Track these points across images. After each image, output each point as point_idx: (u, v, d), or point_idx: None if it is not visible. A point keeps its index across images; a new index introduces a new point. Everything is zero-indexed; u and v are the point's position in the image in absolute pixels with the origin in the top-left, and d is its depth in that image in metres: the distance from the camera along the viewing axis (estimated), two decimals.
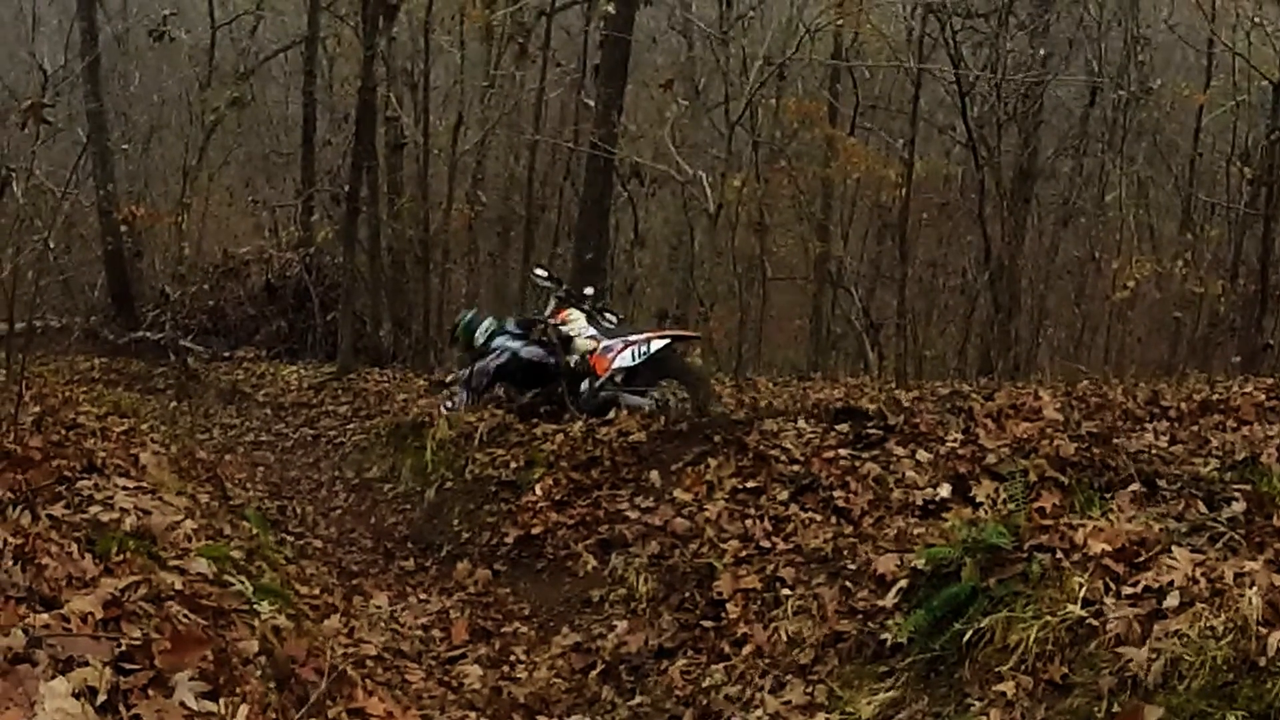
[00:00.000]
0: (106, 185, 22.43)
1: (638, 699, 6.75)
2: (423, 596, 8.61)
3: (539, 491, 9.72)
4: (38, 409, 8.52)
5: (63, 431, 8.29)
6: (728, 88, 15.11)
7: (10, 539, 4.81)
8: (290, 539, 9.67)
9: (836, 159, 21.33)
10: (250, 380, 18.65)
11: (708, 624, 7.14)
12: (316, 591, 7.68)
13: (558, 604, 8.26)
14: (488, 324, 12.97)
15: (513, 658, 7.43)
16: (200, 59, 24.81)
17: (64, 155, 22.97)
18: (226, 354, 20.41)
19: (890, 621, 6.24)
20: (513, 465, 10.47)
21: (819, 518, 7.98)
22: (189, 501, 7.29)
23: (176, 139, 26.80)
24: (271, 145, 28.80)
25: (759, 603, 7.11)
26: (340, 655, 5.50)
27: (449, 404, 12.80)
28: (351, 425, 15.16)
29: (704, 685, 6.60)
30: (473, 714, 6.31)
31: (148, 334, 20.79)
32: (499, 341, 12.72)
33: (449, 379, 13.74)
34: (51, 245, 16.86)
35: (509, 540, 9.35)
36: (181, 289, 20.32)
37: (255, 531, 8.06)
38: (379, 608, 7.92)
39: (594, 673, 7.10)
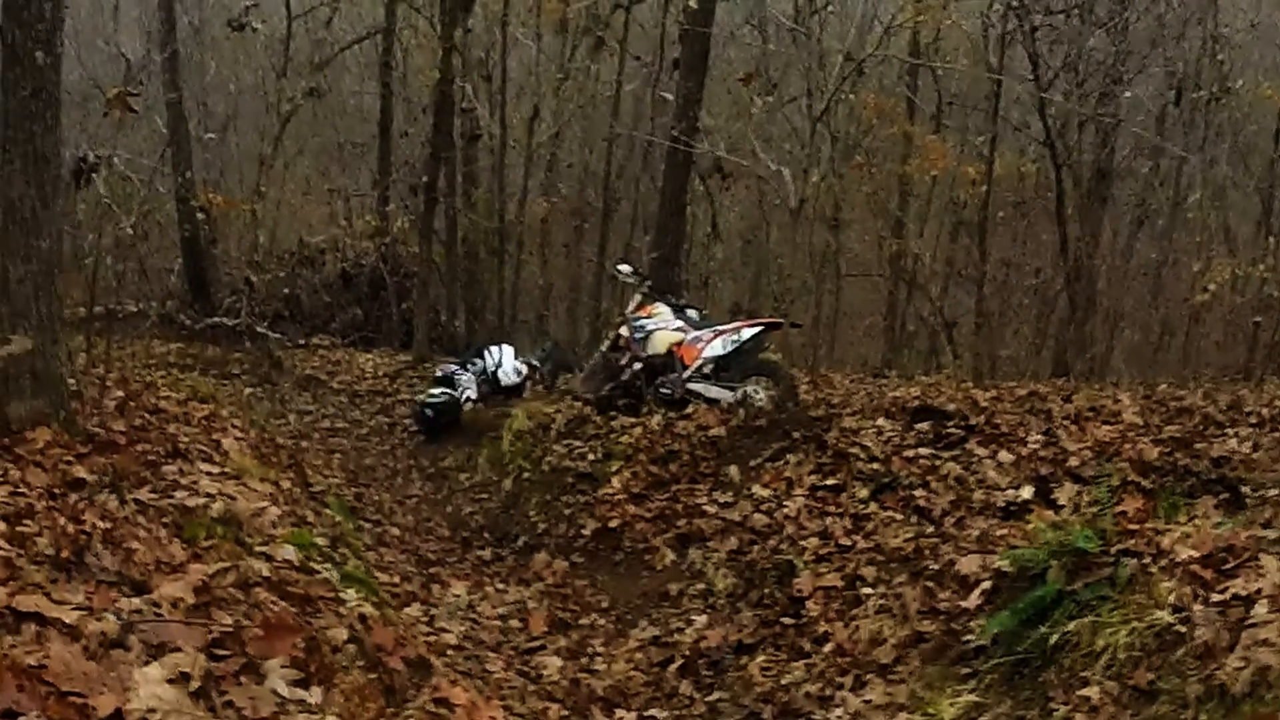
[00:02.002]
0: (185, 173, 22.58)
1: (716, 694, 6.73)
2: (500, 586, 8.60)
3: (617, 484, 9.71)
4: (121, 393, 8.56)
5: (145, 416, 8.32)
6: (810, 83, 14.98)
7: (99, 523, 4.82)
8: (368, 526, 9.70)
9: (915, 156, 21.15)
10: (326, 367, 18.75)
11: (788, 621, 7.11)
12: (396, 579, 7.69)
13: (635, 597, 8.23)
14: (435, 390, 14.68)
15: (591, 650, 7.41)
16: (276, 49, 24.93)
17: (142, 144, 23.14)
18: (302, 341, 20.53)
19: (973, 623, 6.19)
20: (590, 457, 10.46)
21: (899, 517, 7.92)
22: (272, 488, 7.31)
23: (251, 128, 26.98)
24: (345, 135, 28.92)
25: (840, 601, 7.07)
26: (422, 644, 5.49)
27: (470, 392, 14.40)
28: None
29: (784, 682, 6.57)
30: (554, 706, 6.28)
31: (224, 320, 20.89)
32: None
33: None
34: (131, 231, 16.99)
35: (586, 532, 9.35)
36: (257, 276, 20.42)
37: (338, 519, 8.08)
38: (457, 597, 7.90)
39: (672, 667, 7.07)
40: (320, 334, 21.50)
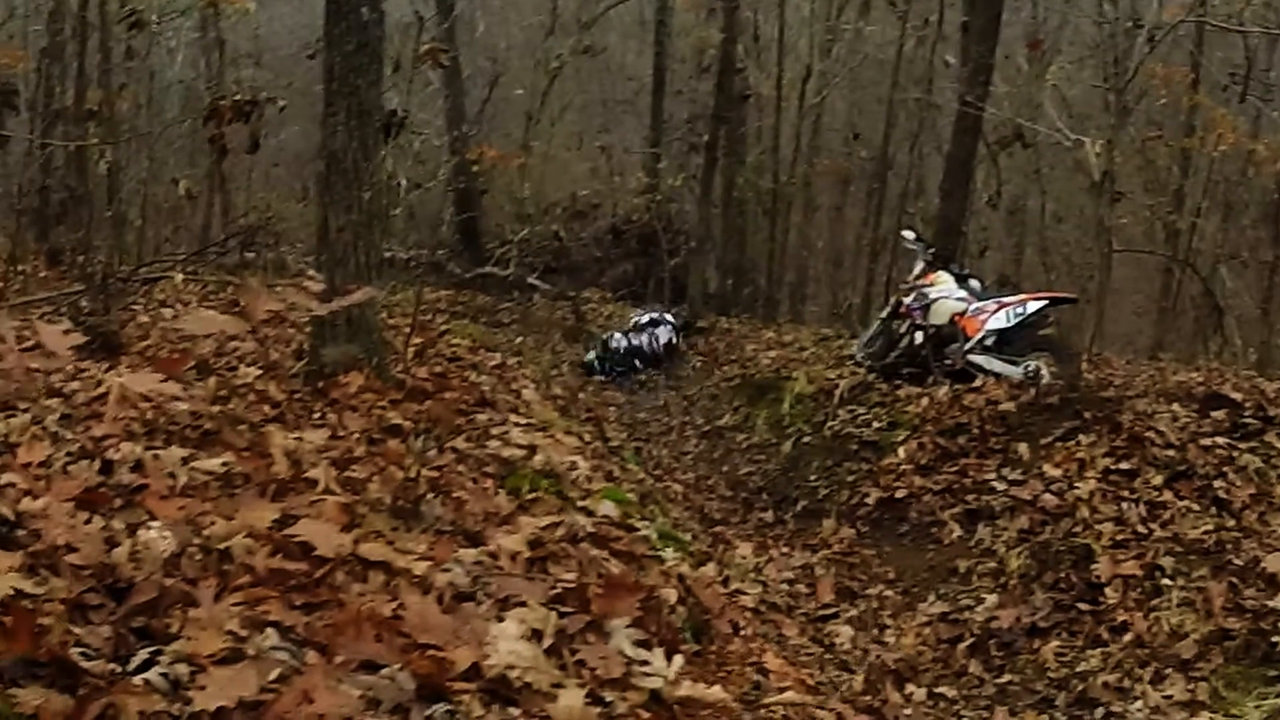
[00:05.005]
0: (459, 126, 23.08)
1: (1006, 676, 6.66)
2: (784, 550, 8.59)
3: (902, 454, 9.57)
4: (419, 340, 8.74)
5: (444, 363, 8.50)
6: (1117, 54, 14.53)
7: (425, 472, 4.88)
8: (651, 481, 9.76)
9: (1202, 129, 20.25)
10: (597, 321, 18.97)
11: (1084, 607, 6.98)
12: (687, 538, 7.71)
13: (922, 570, 8.14)
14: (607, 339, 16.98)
15: (880, 621, 7.34)
16: (544, 7, 25.23)
17: (413, 98, 23.61)
18: (571, 294, 20.76)
19: None
20: (875, 425, 10.35)
21: (1196, 507, 7.66)
22: (577, 441, 7.38)
23: (518, 84, 27.34)
24: (610, 92, 29.13)
25: (1139, 590, 6.92)
26: (735, 607, 5.48)
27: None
28: (699, 371, 15.26)
29: (1079, 669, 6.47)
30: (850, 677, 6.25)
31: (494, 270, 21.32)
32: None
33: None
34: (404, 181, 17.46)
35: (869, 501, 9.25)
36: (527, 228, 20.79)
37: (640, 475, 8.13)
38: (744, 558, 7.91)
39: (962, 645, 7.01)
40: (590, 288, 21.72)
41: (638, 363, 16.45)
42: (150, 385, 3.56)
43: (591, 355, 16.71)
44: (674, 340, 16.93)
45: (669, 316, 17.62)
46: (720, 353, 15.87)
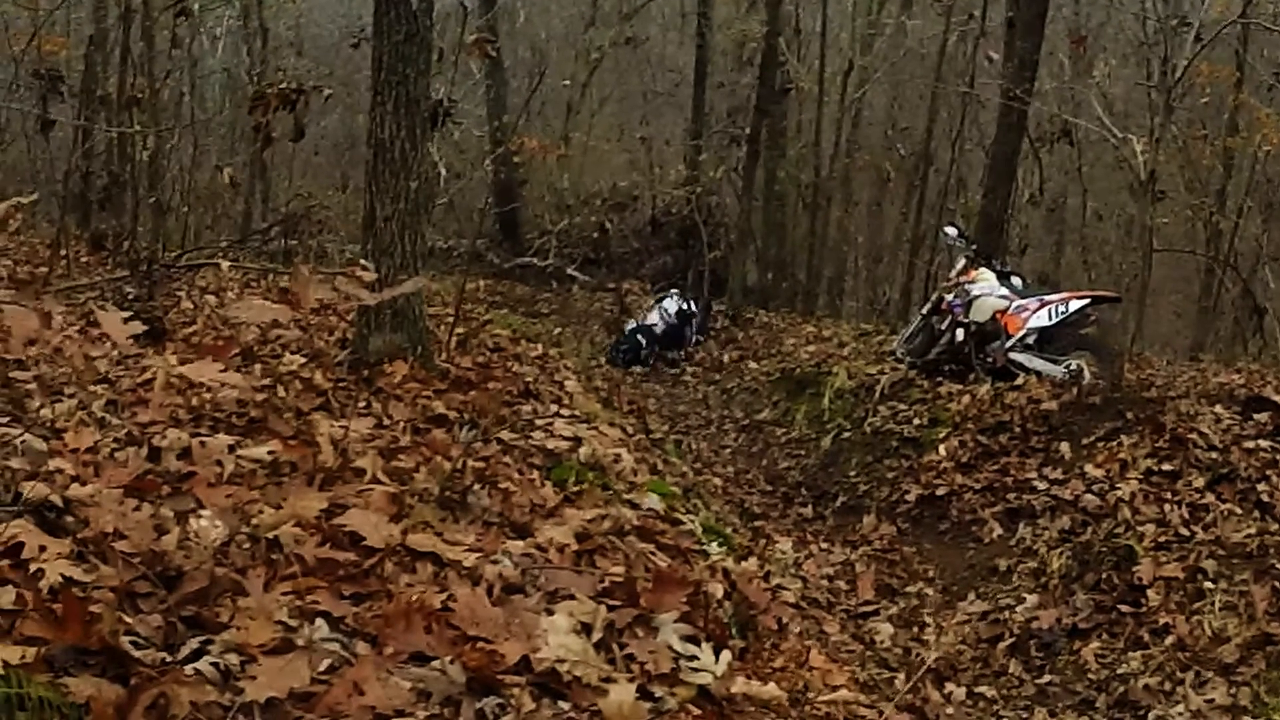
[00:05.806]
0: (500, 117, 23.08)
1: (1047, 677, 6.65)
2: (824, 546, 8.57)
3: (943, 451, 9.55)
4: (461, 330, 8.73)
5: (487, 353, 8.49)
6: (1165, 52, 14.36)
7: (471, 463, 4.87)
8: (693, 475, 9.75)
9: (1247, 128, 20.07)
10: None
11: (1125, 609, 6.95)
12: (727, 532, 7.69)
13: (962, 569, 8.13)
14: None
15: (920, 619, 7.32)
16: None
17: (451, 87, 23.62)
18: (611, 285, 20.74)
19: None
20: (915, 422, 10.32)
21: (1239, 511, 7.62)
22: (621, 433, 7.37)
23: (558, 75, 27.36)
24: (649, 84, 29.08)
25: (1180, 593, 6.88)
26: (779, 603, 5.44)
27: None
28: (738, 365, 15.22)
29: (1119, 672, 6.45)
30: (890, 674, 6.23)
31: (534, 260, 21.32)
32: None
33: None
34: (445, 171, 17.47)
35: (910, 498, 9.24)
36: (567, 219, 20.77)
37: (684, 468, 8.11)
38: (784, 553, 7.88)
39: (1002, 644, 7.00)
40: (629, 279, 21.69)
41: (641, 339, 16.56)
42: (209, 373, 3.55)
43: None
44: (685, 308, 16.94)
45: (674, 290, 17.88)
46: (759, 346, 15.82)
